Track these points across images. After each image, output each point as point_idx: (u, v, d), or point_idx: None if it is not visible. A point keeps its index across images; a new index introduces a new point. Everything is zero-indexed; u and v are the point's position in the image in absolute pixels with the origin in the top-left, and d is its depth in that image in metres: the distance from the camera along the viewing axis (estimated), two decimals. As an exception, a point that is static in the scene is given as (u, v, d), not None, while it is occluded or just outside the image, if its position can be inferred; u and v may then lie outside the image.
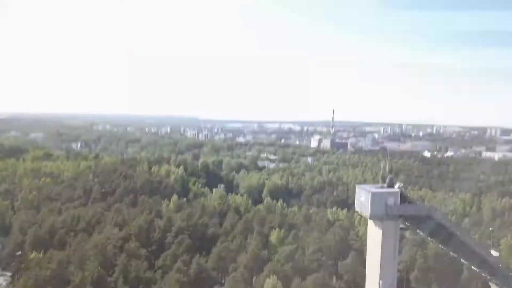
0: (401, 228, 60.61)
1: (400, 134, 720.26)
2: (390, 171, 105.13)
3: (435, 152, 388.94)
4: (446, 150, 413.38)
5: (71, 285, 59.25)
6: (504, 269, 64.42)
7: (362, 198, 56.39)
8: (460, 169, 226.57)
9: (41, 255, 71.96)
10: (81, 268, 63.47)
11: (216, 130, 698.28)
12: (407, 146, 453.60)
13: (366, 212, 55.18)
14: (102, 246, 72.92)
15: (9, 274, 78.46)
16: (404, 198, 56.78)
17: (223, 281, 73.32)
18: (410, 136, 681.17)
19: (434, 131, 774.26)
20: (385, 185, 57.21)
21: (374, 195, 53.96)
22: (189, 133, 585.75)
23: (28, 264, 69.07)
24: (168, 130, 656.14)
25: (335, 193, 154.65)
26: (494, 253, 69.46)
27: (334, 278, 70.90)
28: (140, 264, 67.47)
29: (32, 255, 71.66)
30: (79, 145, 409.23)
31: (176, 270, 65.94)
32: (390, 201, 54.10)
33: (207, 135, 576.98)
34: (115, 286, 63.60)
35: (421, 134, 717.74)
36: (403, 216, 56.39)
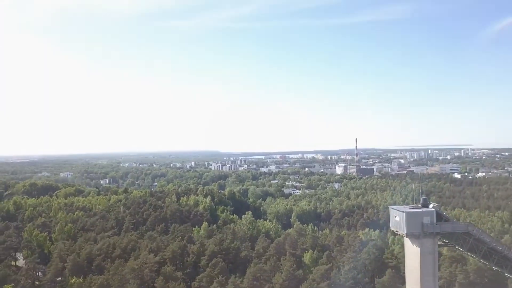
0: (440, 245, 61.41)
1: (427, 158, 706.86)
2: (422, 193, 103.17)
3: (466, 173, 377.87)
4: (477, 171, 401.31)
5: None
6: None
7: (397, 218, 58.49)
8: (495, 188, 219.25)
9: (81, 280, 73.96)
10: (121, 290, 64.76)
11: (239, 162, 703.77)
12: (435, 169, 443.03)
13: (402, 231, 56.95)
14: (139, 270, 74.44)
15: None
16: (440, 217, 58.33)
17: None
18: (437, 159, 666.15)
19: (463, 154, 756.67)
20: (419, 205, 59.46)
21: (409, 214, 56.10)
22: (213, 166, 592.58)
23: (69, 288, 70.95)
24: (193, 164, 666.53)
25: (365, 216, 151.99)
26: None
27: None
28: (177, 285, 68.22)
29: (73, 280, 73.72)
30: (107, 181, 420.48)
31: (213, 290, 66.32)
32: (426, 219, 55.97)
33: (231, 167, 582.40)
34: (155, 307, 64.41)
35: (448, 157, 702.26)
36: (440, 233, 57.73)
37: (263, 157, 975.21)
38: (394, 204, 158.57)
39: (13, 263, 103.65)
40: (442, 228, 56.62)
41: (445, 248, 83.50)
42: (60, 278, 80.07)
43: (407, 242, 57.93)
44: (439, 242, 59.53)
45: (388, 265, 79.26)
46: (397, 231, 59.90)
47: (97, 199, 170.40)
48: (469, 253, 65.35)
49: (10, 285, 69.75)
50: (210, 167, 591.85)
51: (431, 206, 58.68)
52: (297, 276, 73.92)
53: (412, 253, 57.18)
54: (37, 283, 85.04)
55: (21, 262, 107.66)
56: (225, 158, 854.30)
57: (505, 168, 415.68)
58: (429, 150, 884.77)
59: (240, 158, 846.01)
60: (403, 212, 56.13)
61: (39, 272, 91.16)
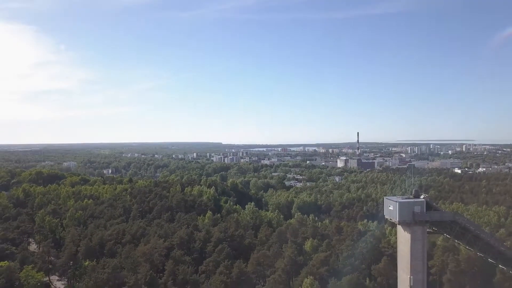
0: (429, 232, 66.13)
1: (428, 153, 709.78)
2: (420, 187, 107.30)
3: (466, 169, 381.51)
4: (478, 167, 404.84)
5: (126, 285, 65.02)
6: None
7: (391, 207, 63.65)
8: (494, 183, 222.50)
9: (94, 263, 78.63)
10: (134, 272, 69.36)
11: (241, 154, 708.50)
12: (436, 164, 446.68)
13: (395, 219, 62.12)
14: (149, 254, 79.05)
15: (65, 280, 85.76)
16: (430, 207, 63.25)
17: (262, 284, 77.25)
18: (438, 154, 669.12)
19: (464, 149, 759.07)
20: (412, 196, 64.37)
21: (401, 204, 61.23)
22: (215, 158, 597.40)
23: (83, 271, 75.58)
24: (194, 155, 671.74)
25: (364, 208, 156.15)
26: None
27: (367, 279, 74.20)
28: (186, 268, 72.72)
29: (86, 263, 78.35)
30: (110, 171, 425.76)
31: (220, 273, 70.99)
32: (417, 208, 60.96)
33: (233, 159, 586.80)
34: (166, 287, 69.12)
35: (450, 152, 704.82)
36: (429, 221, 62.65)
37: (264, 149, 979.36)
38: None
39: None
40: (431, 216, 61.39)
41: (439, 238, 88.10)
42: (72, 262, 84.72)
43: (399, 229, 62.74)
44: (428, 230, 64.47)
45: (384, 253, 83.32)
46: (390, 219, 64.65)
47: (103, 188, 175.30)
48: (455, 240, 69.98)
49: (30, 265, 74.39)
50: (212, 158, 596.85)
51: (422, 197, 63.04)
52: (298, 262, 78.41)
53: (403, 239, 61.82)
54: (50, 266, 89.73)
55: (33, 246, 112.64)
56: (226, 150, 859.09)
57: (506, 164, 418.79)
58: (431, 145, 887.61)
59: (241, 150, 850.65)
60: (396, 201, 61.00)
61: (51, 257, 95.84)
